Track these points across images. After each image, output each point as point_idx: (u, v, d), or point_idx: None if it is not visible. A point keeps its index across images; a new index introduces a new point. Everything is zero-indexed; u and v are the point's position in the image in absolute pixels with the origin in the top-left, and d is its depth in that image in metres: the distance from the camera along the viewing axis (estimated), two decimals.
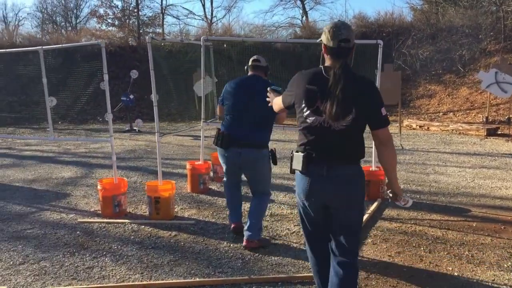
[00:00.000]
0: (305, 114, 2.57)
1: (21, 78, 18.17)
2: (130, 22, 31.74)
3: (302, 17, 29.20)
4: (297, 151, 2.65)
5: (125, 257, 4.06)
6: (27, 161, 9.12)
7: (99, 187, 5.24)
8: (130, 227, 4.86)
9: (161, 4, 26.01)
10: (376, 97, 2.53)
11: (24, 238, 4.60)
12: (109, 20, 32.28)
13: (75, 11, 35.61)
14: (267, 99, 3.26)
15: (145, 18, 30.90)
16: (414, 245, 4.30)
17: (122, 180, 5.40)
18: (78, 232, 4.73)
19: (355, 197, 2.61)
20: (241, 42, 11.16)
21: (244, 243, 4.19)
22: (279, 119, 4.31)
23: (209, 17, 28.13)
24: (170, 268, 3.82)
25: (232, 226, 4.52)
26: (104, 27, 30.81)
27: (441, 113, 16.19)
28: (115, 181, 5.30)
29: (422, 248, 4.22)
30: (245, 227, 4.22)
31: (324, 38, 2.56)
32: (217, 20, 28.63)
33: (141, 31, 24.02)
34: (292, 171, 2.71)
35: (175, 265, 3.87)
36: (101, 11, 31.32)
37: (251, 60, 4.40)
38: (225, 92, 4.36)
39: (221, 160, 4.43)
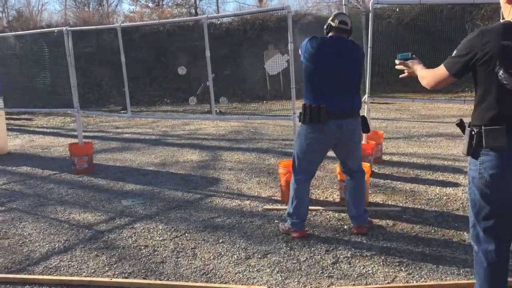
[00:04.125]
0: (501, 77, 2.14)
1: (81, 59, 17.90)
2: (164, 2, 31.19)
3: None
4: (486, 125, 2.19)
5: (363, 250, 3.53)
6: (135, 144, 8.73)
7: (281, 170, 4.73)
8: (328, 215, 4.34)
9: None
10: None
11: (221, 228, 4.13)
12: (143, 2, 31.82)
13: None
14: (404, 74, 2.71)
15: None
16: None
17: None
18: (276, 221, 4.23)
19: None
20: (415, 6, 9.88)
21: (354, 230, 3.86)
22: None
23: None
24: (425, 263, 3.28)
25: (297, 234, 3.83)
26: (138, 8, 30.38)
27: None
28: None
29: None
30: (351, 213, 3.88)
31: None
32: None
33: (195, 10, 23.47)
34: (472, 152, 2.27)
35: (432, 260, 3.33)
36: None
37: (337, 21, 3.71)
38: (310, 56, 3.63)
39: (306, 142, 3.70)
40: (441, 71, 2.34)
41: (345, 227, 4.01)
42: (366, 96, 5.59)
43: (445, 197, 4.68)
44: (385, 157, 6.48)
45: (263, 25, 20.54)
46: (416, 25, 17.11)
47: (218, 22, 21.54)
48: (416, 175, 5.57)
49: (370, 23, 5.39)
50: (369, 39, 5.45)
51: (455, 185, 5.11)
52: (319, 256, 3.46)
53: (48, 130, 11.42)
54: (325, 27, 3.83)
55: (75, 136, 9.85)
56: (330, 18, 3.78)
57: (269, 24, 20.48)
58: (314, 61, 3.64)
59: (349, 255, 3.46)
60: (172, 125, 11.01)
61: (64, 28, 6.16)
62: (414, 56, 2.68)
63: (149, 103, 17.12)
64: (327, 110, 3.55)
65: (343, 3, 4.45)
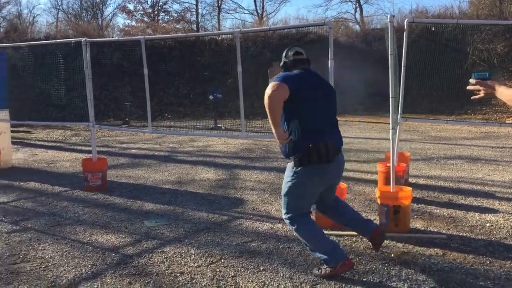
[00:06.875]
0: None
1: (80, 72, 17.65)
2: (159, 17, 31.22)
3: (355, 11, 28.40)
4: None
5: (420, 282, 3.28)
6: (144, 160, 8.46)
7: None
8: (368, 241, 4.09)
9: None
10: None
11: (258, 253, 3.86)
12: (138, 16, 31.84)
13: (101, 6, 35.16)
14: (479, 95, 2.37)
15: (175, 14, 30.36)
16: None
17: (340, 184, 4.62)
18: None
19: None
20: (453, 26, 9.73)
21: (376, 236, 3.67)
22: None
23: (260, 11, 27.51)
24: None
25: (346, 263, 3.35)
26: (133, 23, 30.36)
27: None
28: None
29: None
30: (362, 227, 3.72)
31: None
32: (267, 15, 27.96)
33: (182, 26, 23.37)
34: None
35: None
36: (131, 6, 30.81)
37: (291, 53, 3.41)
38: (297, 93, 3.16)
39: (309, 184, 3.32)
40: None
41: (392, 255, 3.77)
42: (398, 116, 5.38)
43: (488, 224, 4.46)
44: (411, 180, 6.27)
45: (265, 42, 20.51)
46: (416, 47, 17.17)
47: (219, 39, 21.50)
48: (449, 200, 5.36)
49: (404, 42, 5.22)
50: (403, 59, 5.27)
51: (494, 211, 4.90)
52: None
53: (49, 144, 11.09)
54: (281, 64, 3.49)
55: (79, 151, 9.59)
56: (284, 55, 3.47)
57: (271, 41, 20.47)
58: (304, 97, 3.21)
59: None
60: (179, 141, 10.76)
61: (83, 39, 5.92)
62: (491, 76, 2.45)
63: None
64: (333, 146, 3.29)
65: (389, 20, 4.26)
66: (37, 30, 27.85)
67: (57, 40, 7.60)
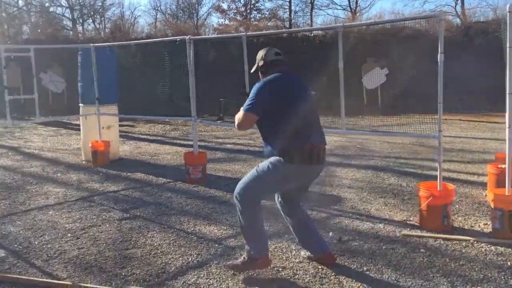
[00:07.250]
0: None
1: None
2: (251, 16, 31.59)
3: (456, 4, 26.83)
4: None
5: None
6: (240, 155, 8.68)
7: (422, 193, 4.29)
8: (482, 247, 3.83)
9: None
10: None
11: (360, 253, 3.78)
12: (231, 15, 32.47)
13: (196, 6, 36.25)
14: None
15: (266, 12, 30.52)
16: None
17: (446, 185, 4.40)
18: (422, 250, 3.80)
19: None
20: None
21: (328, 261, 3.52)
22: None
23: (353, 6, 26.95)
24: None
25: (265, 261, 3.42)
26: (227, 21, 31.00)
27: None
28: (439, 187, 4.31)
29: None
30: (314, 241, 3.55)
31: None
32: (361, 10, 27.33)
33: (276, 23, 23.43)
34: None
35: None
36: (225, 6, 31.48)
37: (272, 52, 3.39)
38: (284, 98, 3.22)
39: (286, 179, 3.28)
40: None
41: (509, 263, 3.50)
42: None
43: None
44: None
45: (359, 38, 20.01)
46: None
47: (311, 35, 21.39)
48: None
49: (508, 29, 4.79)
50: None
51: None
52: None
53: (151, 138, 11.72)
54: (260, 65, 3.43)
55: (179, 145, 10.03)
56: (264, 55, 3.41)
57: (365, 37, 19.94)
58: (293, 101, 3.24)
59: None
60: (255, 137, 10.85)
61: (187, 37, 6.16)
62: None
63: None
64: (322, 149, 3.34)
65: (508, 10, 3.94)
66: (139, 30, 29.68)
67: (163, 39, 8.00)
